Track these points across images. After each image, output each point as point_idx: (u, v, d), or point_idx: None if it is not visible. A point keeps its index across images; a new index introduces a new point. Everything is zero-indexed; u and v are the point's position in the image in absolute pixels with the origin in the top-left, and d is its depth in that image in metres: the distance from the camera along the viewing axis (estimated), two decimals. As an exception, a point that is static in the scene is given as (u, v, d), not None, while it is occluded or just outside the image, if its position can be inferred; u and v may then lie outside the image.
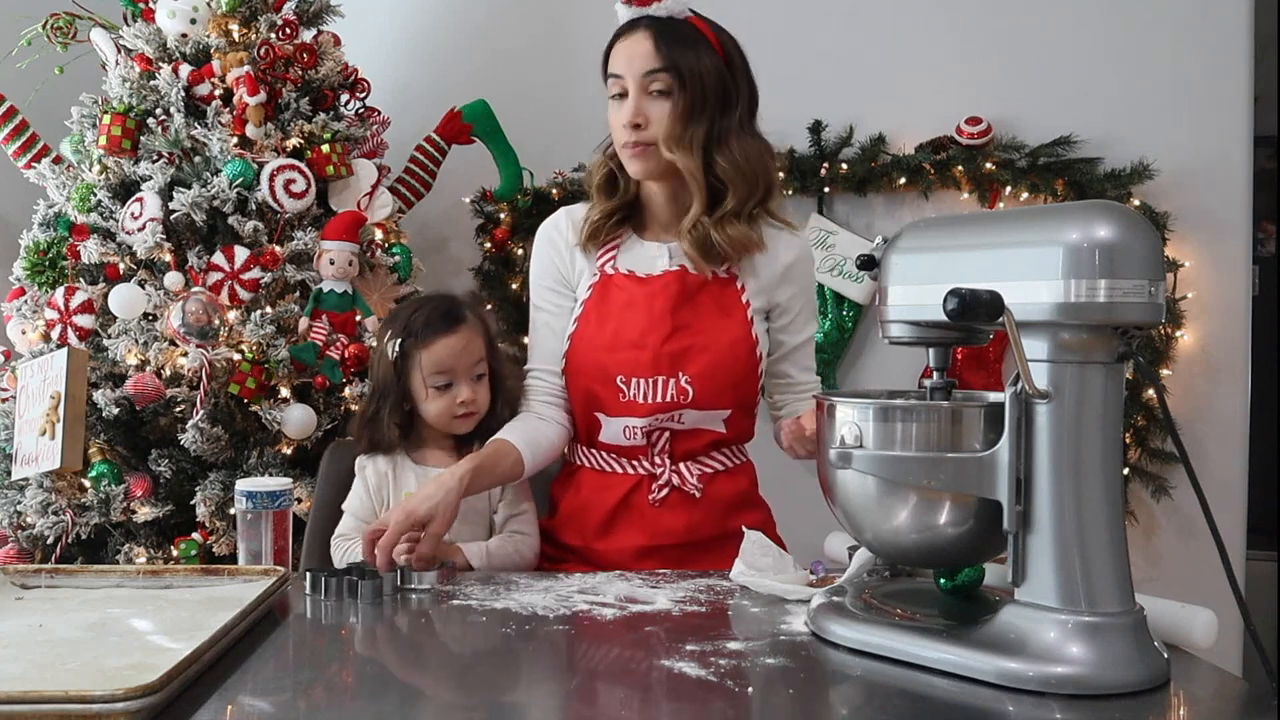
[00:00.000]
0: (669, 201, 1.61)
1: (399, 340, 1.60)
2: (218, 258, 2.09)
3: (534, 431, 1.59)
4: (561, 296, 1.66)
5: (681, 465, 1.59)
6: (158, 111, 2.16)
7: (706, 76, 1.52)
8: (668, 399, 1.55)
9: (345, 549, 1.58)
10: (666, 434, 1.58)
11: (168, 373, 2.04)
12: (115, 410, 2.01)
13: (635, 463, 1.60)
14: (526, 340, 1.74)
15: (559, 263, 1.66)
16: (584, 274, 1.64)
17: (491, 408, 1.65)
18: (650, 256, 1.62)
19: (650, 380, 1.55)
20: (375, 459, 1.63)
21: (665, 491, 1.59)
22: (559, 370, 1.63)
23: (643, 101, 1.52)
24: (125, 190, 2.18)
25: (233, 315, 2.06)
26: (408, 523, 1.35)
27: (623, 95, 1.54)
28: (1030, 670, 0.93)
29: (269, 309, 2.09)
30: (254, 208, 2.13)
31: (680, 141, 1.51)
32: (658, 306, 1.57)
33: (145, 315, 2.09)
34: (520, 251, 2.74)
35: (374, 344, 1.72)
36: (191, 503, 2.02)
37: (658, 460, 1.59)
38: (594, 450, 1.63)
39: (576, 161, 2.65)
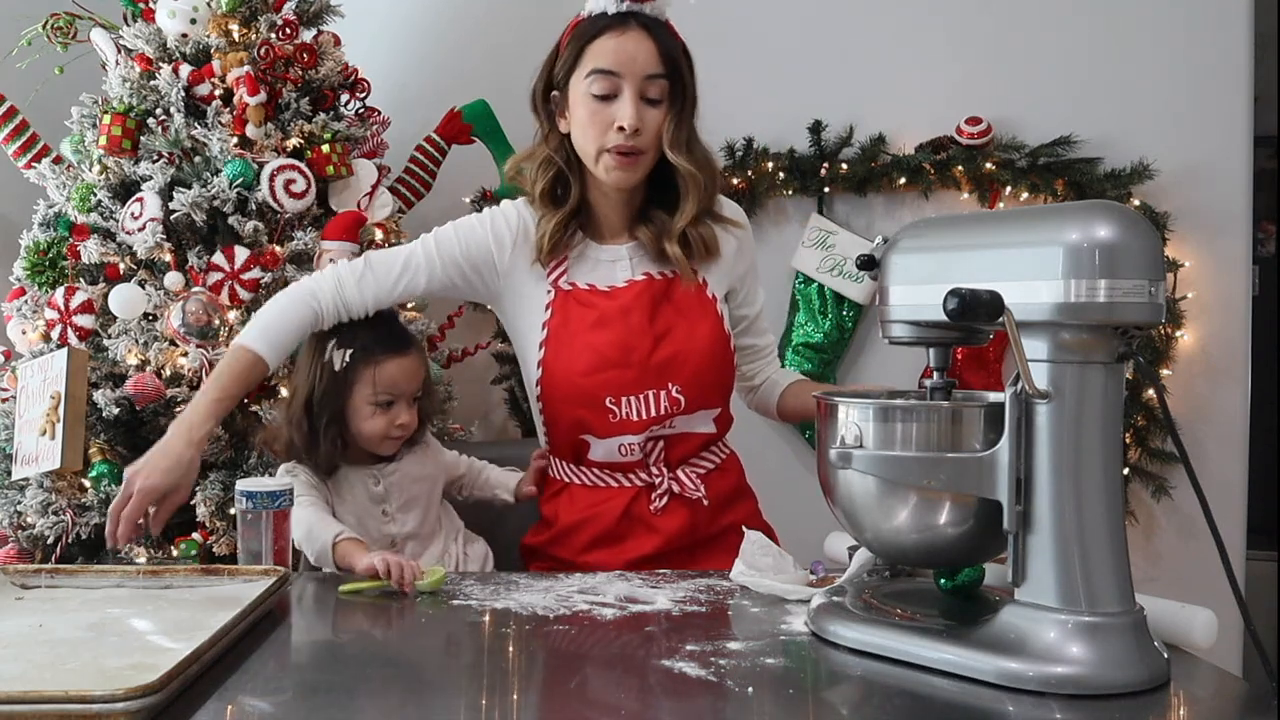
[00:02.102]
0: (623, 204, 1.55)
1: (348, 352, 1.53)
2: (218, 258, 2.09)
3: (285, 325, 1.50)
4: (461, 275, 1.55)
5: (679, 472, 1.57)
6: (158, 111, 2.16)
7: (690, 80, 1.50)
8: (661, 411, 1.52)
9: (321, 532, 1.45)
10: (660, 443, 1.56)
11: (168, 373, 2.05)
12: (115, 410, 2.01)
13: (631, 475, 1.57)
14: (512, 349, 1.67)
15: (494, 256, 1.55)
16: (519, 288, 1.56)
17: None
18: (607, 263, 1.56)
19: (640, 396, 1.51)
20: (301, 468, 1.56)
21: (666, 500, 1.56)
22: (533, 393, 1.57)
23: (639, 105, 1.46)
24: (125, 190, 2.18)
25: (233, 315, 2.06)
26: (152, 496, 1.35)
27: (612, 94, 1.46)
28: (1030, 670, 0.93)
29: (269, 309, 2.09)
30: (254, 208, 2.12)
31: (683, 145, 1.48)
32: (635, 320, 1.52)
33: (145, 315, 2.09)
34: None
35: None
36: (191, 503, 2.02)
37: (654, 470, 1.56)
38: (584, 468, 1.59)
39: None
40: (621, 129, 1.45)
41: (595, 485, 1.58)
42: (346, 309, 1.53)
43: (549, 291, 1.55)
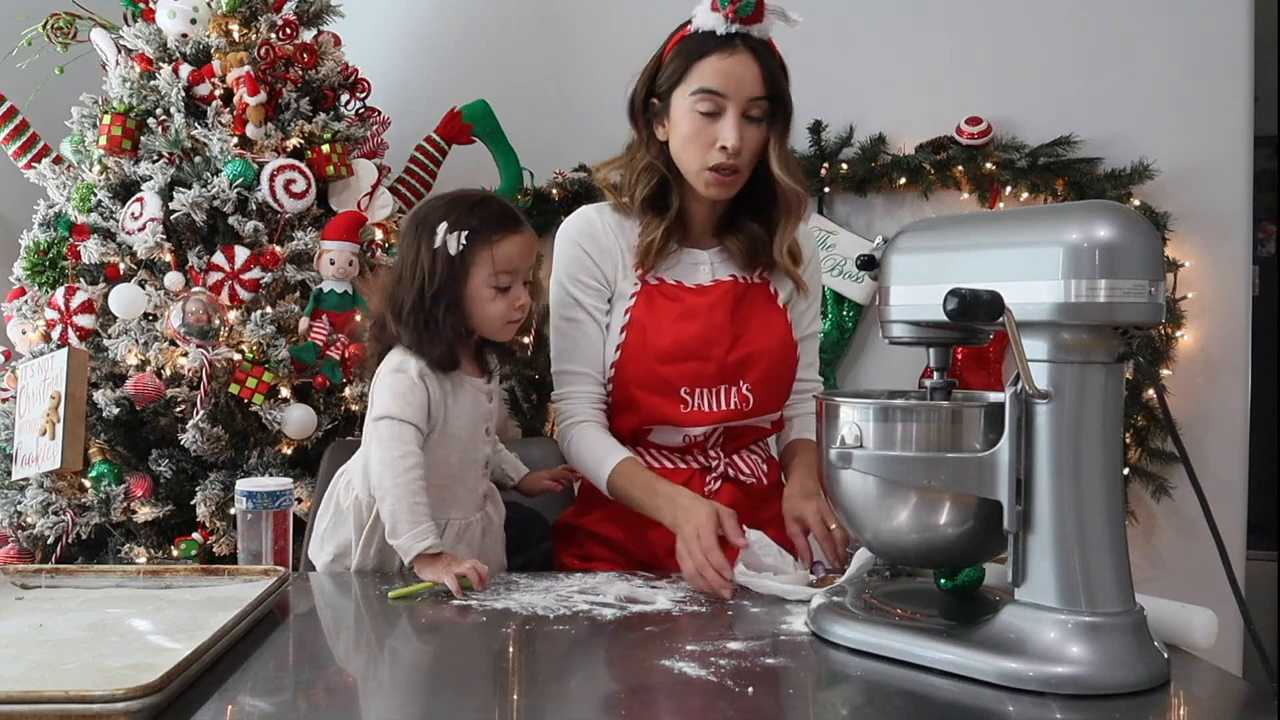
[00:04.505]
0: (715, 212, 1.60)
1: (463, 234, 1.43)
2: (218, 258, 2.09)
3: (603, 439, 1.56)
4: (603, 299, 1.59)
5: (734, 457, 1.61)
6: (158, 111, 2.17)
7: (789, 99, 1.53)
8: (730, 407, 1.56)
9: (416, 533, 1.32)
10: (720, 430, 1.59)
11: (168, 373, 2.05)
12: (115, 410, 2.01)
13: (689, 458, 1.60)
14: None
15: (605, 264, 1.58)
16: (624, 281, 1.59)
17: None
18: (693, 264, 1.59)
19: (714, 390, 1.55)
20: (415, 361, 1.43)
21: (719, 484, 1.59)
22: (606, 376, 1.59)
23: (741, 126, 1.48)
24: (125, 190, 2.18)
25: (233, 315, 2.06)
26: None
27: (716, 113, 1.48)
28: (1030, 670, 0.93)
29: (269, 309, 2.09)
30: (254, 208, 2.13)
31: (786, 163, 1.52)
32: (718, 317, 1.55)
33: (145, 315, 2.09)
34: (520, 251, 2.75)
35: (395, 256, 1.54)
36: (191, 503, 2.02)
37: (712, 454, 1.59)
38: (640, 449, 1.60)
39: (577, 161, 2.65)
40: (724, 149, 1.48)
41: (649, 467, 1.57)
42: (593, 400, 1.59)
43: (635, 284, 1.58)
